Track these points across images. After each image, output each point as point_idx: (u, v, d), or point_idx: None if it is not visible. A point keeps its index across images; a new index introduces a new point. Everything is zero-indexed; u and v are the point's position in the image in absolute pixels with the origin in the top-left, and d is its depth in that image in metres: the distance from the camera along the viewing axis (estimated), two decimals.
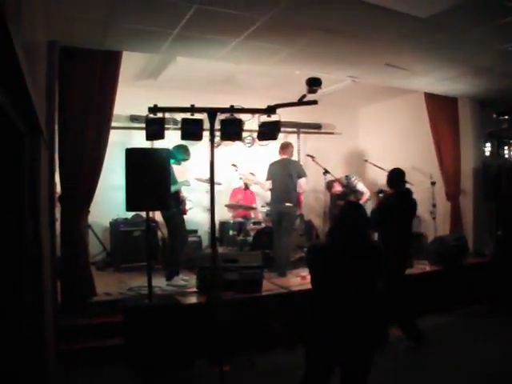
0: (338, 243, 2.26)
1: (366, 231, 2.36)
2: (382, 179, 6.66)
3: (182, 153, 4.66)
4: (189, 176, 5.19)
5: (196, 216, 6.03)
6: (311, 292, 2.32)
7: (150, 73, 5.28)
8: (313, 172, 6.68)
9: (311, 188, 6.88)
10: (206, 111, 3.20)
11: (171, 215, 4.43)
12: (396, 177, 3.92)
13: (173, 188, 4.23)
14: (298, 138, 6.98)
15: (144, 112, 3.27)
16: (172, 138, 4.33)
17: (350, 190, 5.72)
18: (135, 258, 5.15)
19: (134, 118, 5.68)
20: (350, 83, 5.39)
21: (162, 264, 5.15)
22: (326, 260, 2.25)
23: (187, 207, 4.88)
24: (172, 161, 4.54)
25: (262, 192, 6.11)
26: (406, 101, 6.45)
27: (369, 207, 5.73)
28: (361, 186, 5.79)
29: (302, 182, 5.02)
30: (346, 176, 5.95)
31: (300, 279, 4.63)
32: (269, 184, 5.12)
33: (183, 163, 4.84)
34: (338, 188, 5.74)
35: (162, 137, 3.23)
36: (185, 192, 4.94)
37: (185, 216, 4.67)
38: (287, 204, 4.93)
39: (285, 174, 4.96)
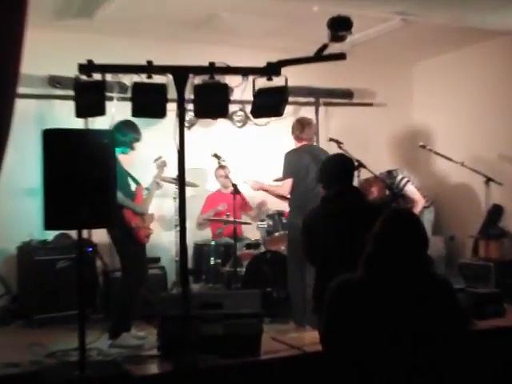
0: (381, 278, 2.18)
1: (425, 257, 2.29)
2: (449, 176, 6.70)
3: (128, 132, 4.53)
4: (145, 174, 5.14)
5: (158, 236, 5.98)
6: (329, 364, 2.26)
7: (80, 7, 5.12)
8: None
9: None
10: (172, 71, 3.21)
11: (124, 236, 4.42)
12: (334, 170, 3.57)
13: (121, 197, 4.21)
14: (317, 113, 6.94)
15: (72, 72, 3.26)
16: (118, 114, 4.27)
17: (395, 193, 5.68)
18: (58, 305, 5.06)
19: (56, 80, 5.54)
20: (397, 24, 5.38)
21: (103, 313, 5.11)
22: (361, 308, 2.14)
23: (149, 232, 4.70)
24: (117, 150, 4.42)
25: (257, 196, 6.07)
26: (491, 50, 6.43)
27: (428, 220, 5.71)
28: (411, 189, 5.76)
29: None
30: (390, 172, 5.91)
31: (318, 333, 4.58)
32: (288, 185, 5.01)
33: (135, 151, 4.76)
34: (377, 192, 5.70)
35: (101, 112, 3.22)
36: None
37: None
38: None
39: (313, 170, 4.89)
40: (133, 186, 4.65)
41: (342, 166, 3.57)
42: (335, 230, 3.35)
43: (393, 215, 2.36)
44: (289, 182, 4.97)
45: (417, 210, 5.61)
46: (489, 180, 5.70)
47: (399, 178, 5.81)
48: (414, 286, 2.19)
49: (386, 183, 5.73)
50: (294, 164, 4.97)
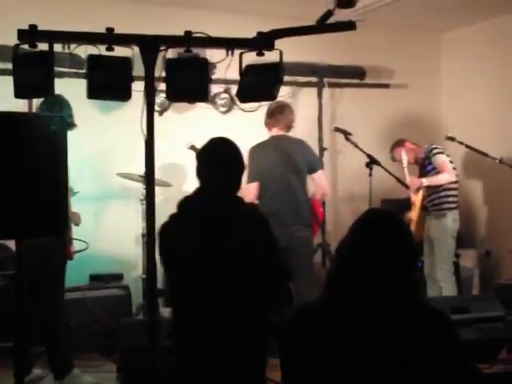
0: (348, 306, 2.02)
1: (413, 278, 2.09)
2: (483, 175, 6.73)
3: (61, 108, 4.50)
4: (107, 171, 5.13)
5: (121, 249, 5.98)
6: None
7: None
8: (347, 162, 6.65)
9: (345, 192, 6.85)
10: (138, 42, 3.18)
11: (53, 252, 4.42)
12: (203, 162, 3.18)
13: None
14: (319, 95, 6.96)
15: (11, 40, 3.22)
16: (70, 95, 4.26)
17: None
18: None
19: None
20: None
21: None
22: (320, 345, 2.00)
23: (76, 247, 4.77)
24: None
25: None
26: None
27: (448, 227, 5.73)
28: (442, 159, 5.76)
29: (317, 178, 5.05)
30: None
31: None
32: (254, 189, 5.03)
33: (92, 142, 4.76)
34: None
35: (48, 91, 3.21)
36: (76, 207, 4.84)
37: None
38: (295, 227, 4.93)
39: (284, 169, 5.00)
40: None
41: (211, 157, 3.16)
42: (200, 246, 2.96)
43: (368, 218, 2.17)
44: (253, 186, 4.97)
45: (440, 179, 5.65)
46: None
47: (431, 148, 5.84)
48: (395, 320, 1.98)
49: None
50: (258, 163, 4.99)
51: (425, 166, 5.82)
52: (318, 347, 2.01)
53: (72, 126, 4.60)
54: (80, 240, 5.00)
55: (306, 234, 5.04)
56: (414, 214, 5.65)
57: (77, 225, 4.72)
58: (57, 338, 4.49)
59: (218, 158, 3.13)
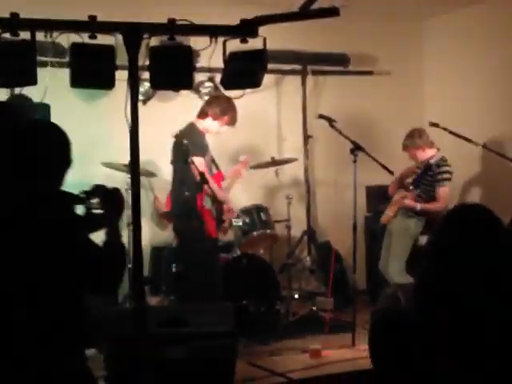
0: (443, 314, 1.87)
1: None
2: (466, 162, 6.76)
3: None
4: (91, 161, 5.11)
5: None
6: None
7: None
8: (331, 149, 6.67)
9: (330, 179, 6.88)
10: (121, 30, 3.17)
11: None
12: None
13: None
14: (303, 83, 6.99)
15: None
16: (53, 84, 4.24)
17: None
18: None
19: None
20: None
21: None
22: (418, 353, 1.89)
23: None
24: None
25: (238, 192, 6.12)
26: None
27: (413, 231, 5.70)
28: (445, 191, 5.61)
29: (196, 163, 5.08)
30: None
31: (309, 356, 4.71)
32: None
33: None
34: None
35: (31, 80, 3.18)
36: None
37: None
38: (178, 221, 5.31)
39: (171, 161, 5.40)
40: None
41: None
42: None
43: (461, 216, 1.98)
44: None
45: (432, 209, 5.53)
46: None
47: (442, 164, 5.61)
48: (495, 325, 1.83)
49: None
50: None
51: (426, 172, 5.59)
52: (413, 356, 1.91)
53: None
54: None
55: (185, 226, 5.18)
56: (391, 210, 5.65)
57: None
58: None
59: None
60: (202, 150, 5.15)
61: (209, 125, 5.28)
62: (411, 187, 5.58)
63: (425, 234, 6.50)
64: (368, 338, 2.07)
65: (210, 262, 5.15)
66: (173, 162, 5.32)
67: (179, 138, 5.07)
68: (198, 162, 4.98)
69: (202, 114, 5.33)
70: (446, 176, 5.58)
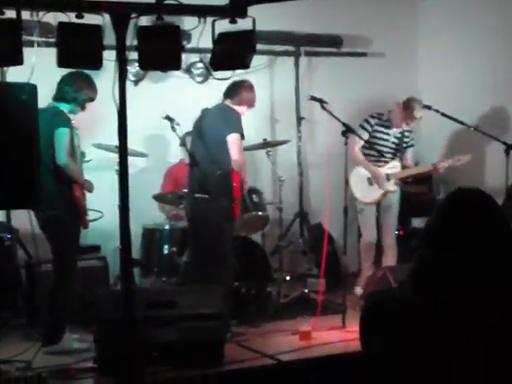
0: (444, 298, 1.85)
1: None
2: (459, 144, 6.76)
3: (83, 87, 4.60)
4: (81, 141, 5.09)
5: (98, 220, 5.95)
6: None
7: None
8: (322, 130, 6.65)
9: (321, 161, 6.89)
10: (109, 9, 3.18)
11: (59, 219, 4.46)
12: None
13: (69, 165, 4.37)
14: (296, 64, 6.97)
15: None
16: (40, 64, 4.19)
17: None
18: None
19: None
20: None
21: (27, 317, 5.14)
22: (416, 341, 1.86)
23: (92, 216, 4.92)
24: (65, 106, 4.56)
25: None
26: None
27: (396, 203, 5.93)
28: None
29: (230, 141, 4.93)
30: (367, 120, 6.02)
31: (299, 338, 4.72)
32: None
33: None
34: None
35: (17, 60, 3.18)
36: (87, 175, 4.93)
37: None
38: (198, 195, 4.96)
39: (195, 138, 5.21)
40: None
41: None
42: None
43: (461, 201, 1.96)
44: None
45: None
46: (510, 148, 5.70)
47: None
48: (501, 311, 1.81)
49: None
50: None
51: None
52: (406, 342, 1.87)
53: (83, 107, 4.70)
54: (95, 210, 5.18)
55: (212, 204, 4.91)
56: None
57: (90, 191, 4.82)
58: (63, 305, 4.55)
59: None
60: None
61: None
62: None
63: (417, 216, 6.59)
64: (360, 320, 2.05)
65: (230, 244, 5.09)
66: (199, 140, 5.14)
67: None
68: (237, 140, 4.92)
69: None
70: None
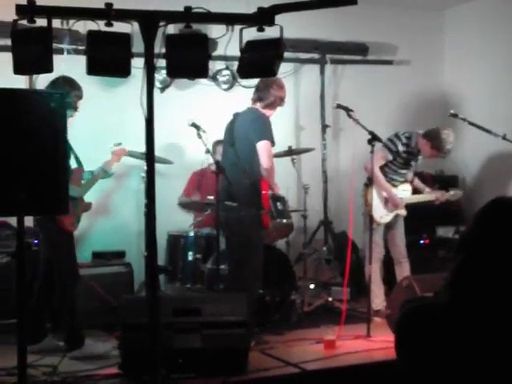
0: (478, 306, 1.85)
1: None
2: (486, 153, 6.70)
3: (69, 90, 4.57)
4: (107, 147, 5.12)
5: (122, 225, 5.98)
6: None
7: None
8: (347, 138, 6.63)
9: (347, 169, 6.86)
10: (138, 18, 3.19)
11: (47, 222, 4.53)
12: None
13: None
14: (322, 72, 6.98)
15: (10, 15, 3.23)
16: (69, 71, 4.25)
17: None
18: None
19: None
20: None
21: (52, 321, 5.04)
22: (446, 348, 1.85)
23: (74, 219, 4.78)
24: None
25: None
26: None
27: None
28: None
29: (260, 148, 4.85)
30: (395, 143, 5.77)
31: (323, 347, 4.70)
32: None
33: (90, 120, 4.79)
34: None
35: (47, 67, 3.19)
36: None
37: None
38: (228, 203, 4.87)
39: (226, 145, 5.09)
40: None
41: None
42: None
43: (496, 209, 1.96)
44: None
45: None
46: None
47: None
48: None
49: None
50: None
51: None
52: (445, 349, 1.85)
53: (75, 108, 4.72)
54: None
55: (241, 212, 4.84)
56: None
57: (75, 198, 4.76)
58: (71, 309, 4.58)
59: None
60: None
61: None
62: None
63: (442, 225, 6.51)
64: (397, 327, 2.03)
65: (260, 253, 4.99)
66: (230, 147, 5.04)
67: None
68: (267, 147, 4.85)
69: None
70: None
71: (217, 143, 5.91)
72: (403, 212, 5.73)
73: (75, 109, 4.72)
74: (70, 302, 4.59)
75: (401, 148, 5.64)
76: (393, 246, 5.77)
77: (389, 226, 5.73)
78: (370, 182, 5.38)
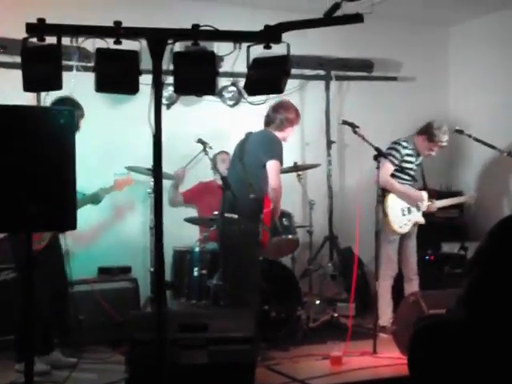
0: (494, 322, 1.83)
1: None
2: (491, 170, 6.70)
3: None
4: (115, 164, 5.14)
5: (129, 242, 5.99)
6: None
7: None
8: (352, 154, 6.65)
9: (353, 185, 6.88)
10: (146, 35, 3.19)
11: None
12: None
13: None
14: (327, 88, 7.00)
15: (20, 33, 3.23)
16: (78, 88, 4.29)
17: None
18: (2, 328, 4.98)
19: None
20: None
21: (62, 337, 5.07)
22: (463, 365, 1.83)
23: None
24: None
25: None
26: None
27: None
28: None
29: (269, 167, 4.90)
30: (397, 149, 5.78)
31: (330, 363, 4.69)
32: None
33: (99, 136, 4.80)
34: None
35: (56, 85, 3.21)
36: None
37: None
38: (228, 215, 4.90)
39: (235, 160, 5.13)
40: None
41: None
42: None
43: (510, 225, 1.94)
44: None
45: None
46: None
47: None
48: None
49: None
50: None
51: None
52: (464, 367, 1.82)
53: (78, 127, 4.70)
54: None
55: (241, 226, 4.86)
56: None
57: None
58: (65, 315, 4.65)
59: None
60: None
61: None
62: None
63: (448, 242, 6.49)
64: (411, 344, 2.01)
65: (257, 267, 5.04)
66: (239, 162, 5.07)
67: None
68: (277, 167, 4.89)
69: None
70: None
71: (217, 154, 5.97)
72: (421, 220, 5.74)
73: (77, 128, 4.69)
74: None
75: (403, 151, 5.69)
76: (405, 260, 5.76)
77: (404, 237, 5.73)
78: (383, 194, 5.40)
